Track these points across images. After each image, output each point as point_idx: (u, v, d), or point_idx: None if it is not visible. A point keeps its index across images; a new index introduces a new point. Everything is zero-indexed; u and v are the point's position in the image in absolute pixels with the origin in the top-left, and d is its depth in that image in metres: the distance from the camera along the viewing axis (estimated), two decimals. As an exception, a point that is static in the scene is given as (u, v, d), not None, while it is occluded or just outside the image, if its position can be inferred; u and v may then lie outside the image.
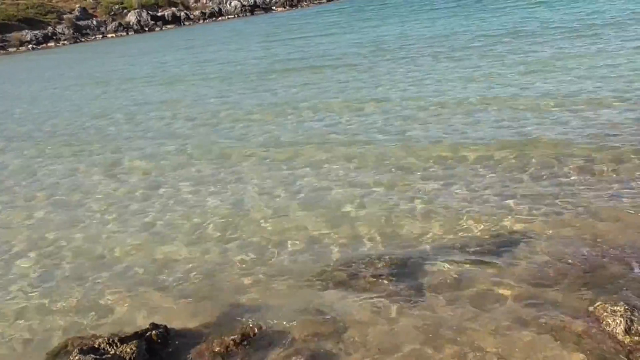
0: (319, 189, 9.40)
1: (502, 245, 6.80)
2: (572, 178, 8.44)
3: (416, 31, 29.70)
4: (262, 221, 8.47)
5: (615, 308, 5.06)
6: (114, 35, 69.45)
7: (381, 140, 11.48)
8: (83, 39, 68.10)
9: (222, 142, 13.10)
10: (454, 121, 12.10)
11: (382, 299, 5.92)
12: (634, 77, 13.28)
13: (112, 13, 73.03)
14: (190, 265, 7.41)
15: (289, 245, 7.59)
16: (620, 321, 4.92)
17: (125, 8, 73.55)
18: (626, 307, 5.03)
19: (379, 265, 6.59)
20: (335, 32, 36.74)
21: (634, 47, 16.59)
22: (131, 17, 71.53)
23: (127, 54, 44.36)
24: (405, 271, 6.44)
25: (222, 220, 8.69)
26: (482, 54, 19.62)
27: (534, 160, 9.30)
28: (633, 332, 4.84)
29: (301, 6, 77.77)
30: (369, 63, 21.55)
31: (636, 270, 5.89)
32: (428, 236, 7.29)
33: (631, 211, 7.17)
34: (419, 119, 12.71)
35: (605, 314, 5.06)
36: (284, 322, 5.76)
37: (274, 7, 77.35)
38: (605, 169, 8.57)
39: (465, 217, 7.64)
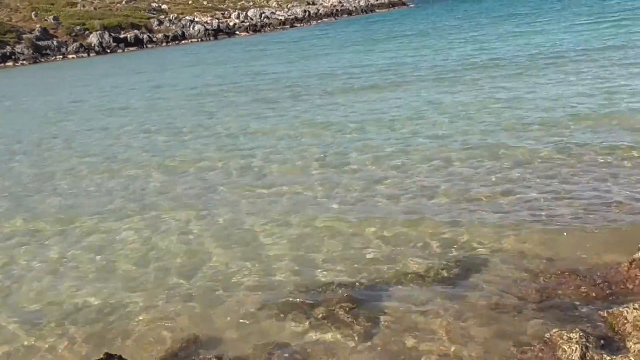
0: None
1: (458, 272, 6.81)
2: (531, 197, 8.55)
3: (368, 62, 29.98)
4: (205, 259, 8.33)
5: (570, 335, 5.07)
6: (74, 56, 68.46)
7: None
8: (43, 59, 66.91)
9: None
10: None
11: (339, 331, 5.85)
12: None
13: (74, 34, 72.09)
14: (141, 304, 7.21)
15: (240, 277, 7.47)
16: (576, 348, 4.93)
17: (87, 29, 72.74)
18: (581, 334, 5.05)
19: (335, 296, 6.53)
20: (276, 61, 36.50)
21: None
22: (93, 39, 70.66)
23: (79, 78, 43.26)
24: (361, 300, 6.39)
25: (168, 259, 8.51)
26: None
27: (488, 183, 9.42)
28: (588, 358, 4.86)
29: (264, 31, 78.19)
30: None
31: (592, 294, 5.95)
32: (383, 263, 7.26)
33: (591, 232, 7.29)
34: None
35: (561, 341, 5.07)
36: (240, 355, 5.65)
37: (237, 32, 77.52)
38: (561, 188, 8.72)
39: (419, 243, 7.65)
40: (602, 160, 9.93)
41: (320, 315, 6.16)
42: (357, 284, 6.79)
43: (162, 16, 79.14)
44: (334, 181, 10.60)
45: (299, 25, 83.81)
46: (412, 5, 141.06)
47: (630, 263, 6.41)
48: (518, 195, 8.85)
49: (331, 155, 12.39)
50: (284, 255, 7.82)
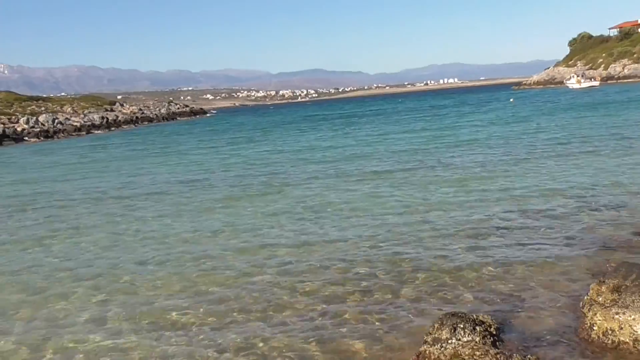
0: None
1: None
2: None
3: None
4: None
5: None
6: None
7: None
8: None
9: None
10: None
11: None
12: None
13: None
14: None
15: None
16: None
17: None
18: None
19: None
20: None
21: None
22: None
23: None
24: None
25: None
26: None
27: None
28: None
29: (57, 137, 74.22)
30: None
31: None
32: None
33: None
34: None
35: None
36: None
37: (26, 137, 72.67)
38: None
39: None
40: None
41: None
42: None
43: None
44: None
45: (96, 131, 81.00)
46: (215, 113, 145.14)
47: (417, 356, 6.51)
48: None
49: None
50: None
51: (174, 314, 8.89)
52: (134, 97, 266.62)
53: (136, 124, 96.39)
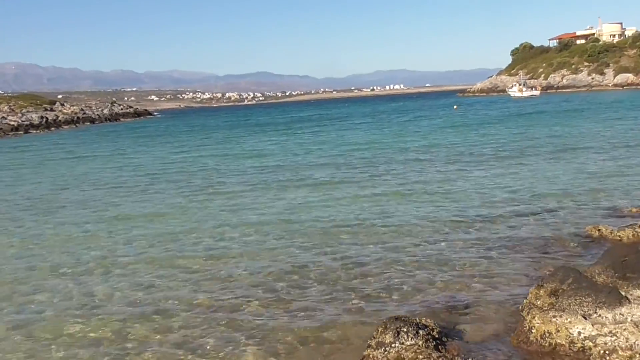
0: None
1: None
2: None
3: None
4: None
5: None
6: None
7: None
8: None
9: None
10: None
11: None
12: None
13: None
14: None
15: None
16: None
17: None
18: None
19: None
20: None
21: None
22: None
23: None
24: None
25: None
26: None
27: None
28: None
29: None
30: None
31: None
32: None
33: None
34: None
35: None
36: None
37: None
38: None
39: None
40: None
41: None
42: None
43: None
44: None
45: (34, 131, 78.42)
46: (159, 116, 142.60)
47: (361, 361, 6.52)
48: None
49: None
50: None
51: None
52: (75, 96, 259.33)
53: (77, 125, 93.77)
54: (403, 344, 6.53)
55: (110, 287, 10.29)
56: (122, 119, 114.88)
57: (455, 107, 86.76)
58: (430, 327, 6.92)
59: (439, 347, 6.69)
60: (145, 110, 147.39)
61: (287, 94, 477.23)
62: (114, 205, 18.14)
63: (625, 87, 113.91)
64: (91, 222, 15.71)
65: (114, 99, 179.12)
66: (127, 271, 11.15)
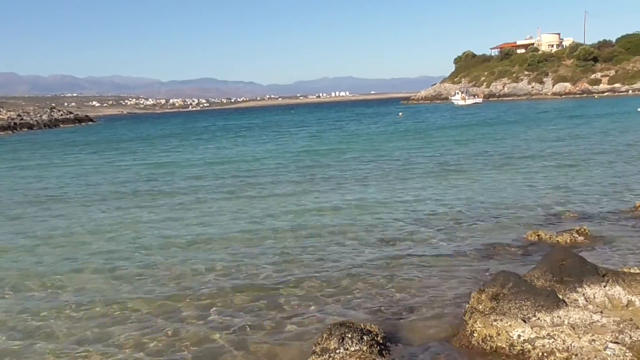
0: None
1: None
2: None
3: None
4: None
5: None
6: None
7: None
8: None
9: None
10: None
11: None
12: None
13: None
14: None
15: None
16: None
17: None
18: None
19: None
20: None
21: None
22: None
23: None
24: None
25: None
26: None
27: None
28: None
29: None
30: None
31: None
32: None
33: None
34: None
35: None
36: None
37: None
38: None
39: None
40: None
41: None
42: None
43: None
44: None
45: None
46: (101, 122, 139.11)
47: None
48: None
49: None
50: None
51: None
52: (11, 102, 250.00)
53: (14, 131, 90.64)
54: (347, 349, 6.53)
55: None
56: (62, 125, 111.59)
57: (400, 114, 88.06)
58: (375, 333, 6.94)
59: (383, 352, 6.72)
60: (87, 116, 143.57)
61: (232, 100, 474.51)
62: None
63: (563, 96, 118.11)
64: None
65: (53, 104, 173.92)
66: None
